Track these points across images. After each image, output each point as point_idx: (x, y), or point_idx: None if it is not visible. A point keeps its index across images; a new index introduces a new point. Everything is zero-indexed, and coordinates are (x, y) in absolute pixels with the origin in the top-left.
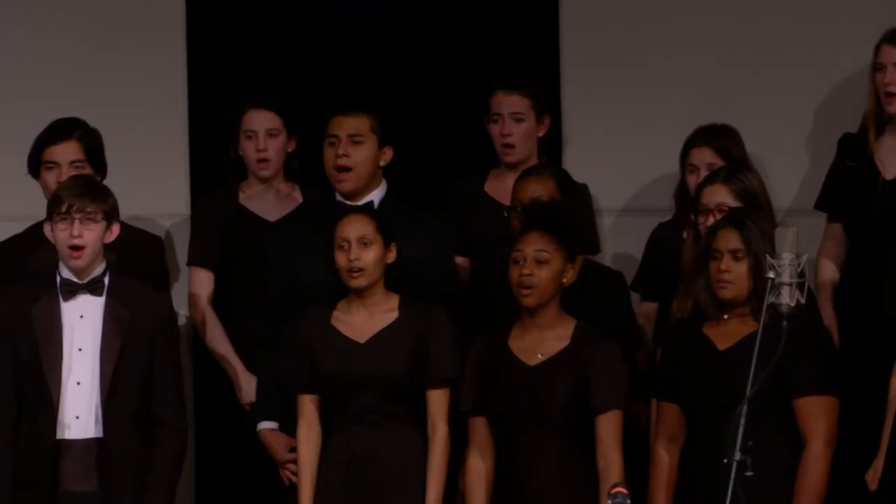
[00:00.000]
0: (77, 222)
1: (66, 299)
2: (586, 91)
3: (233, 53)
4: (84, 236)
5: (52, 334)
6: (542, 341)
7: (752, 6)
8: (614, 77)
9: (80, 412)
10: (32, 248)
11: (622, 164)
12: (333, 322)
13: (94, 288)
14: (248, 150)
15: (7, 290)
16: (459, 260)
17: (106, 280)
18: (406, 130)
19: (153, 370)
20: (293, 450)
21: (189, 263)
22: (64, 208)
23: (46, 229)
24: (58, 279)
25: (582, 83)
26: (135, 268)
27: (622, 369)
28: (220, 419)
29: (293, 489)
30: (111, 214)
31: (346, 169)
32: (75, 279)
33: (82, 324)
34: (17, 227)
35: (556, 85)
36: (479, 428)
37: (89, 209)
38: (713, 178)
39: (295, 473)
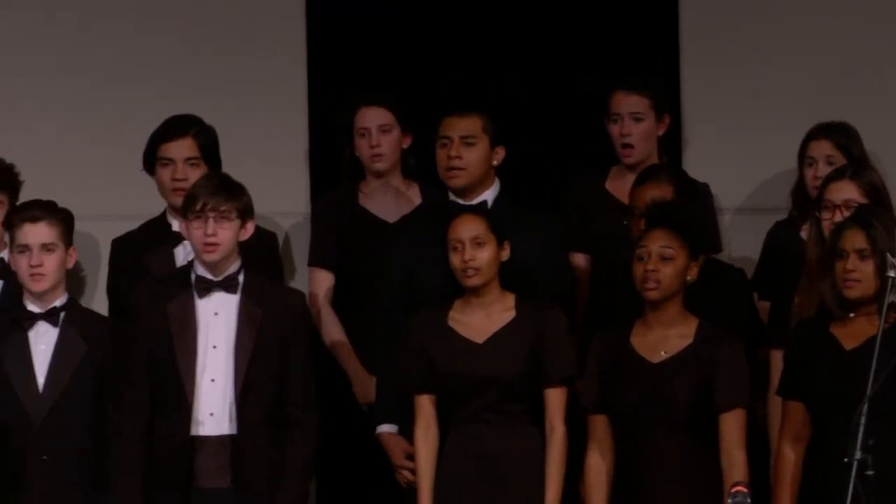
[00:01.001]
0: (211, 220)
1: (200, 297)
2: (706, 90)
3: (352, 53)
4: (218, 234)
5: (187, 332)
6: (666, 339)
7: (873, 4)
8: (734, 76)
9: (214, 409)
10: (148, 244)
11: (741, 162)
12: (450, 322)
13: (228, 285)
14: (362, 147)
15: (143, 287)
16: (580, 258)
17: (240, 278)
18: (525, 130)
19: (286, 369)
20: (410, 457)
21: (309, 263)
22: (198, 206)
23: (182, 227)
24: (192, 277)
25: (701, 82)
26: (248, 263)
27: (746, 367)
28: (338, 418)
29: (411, 489)
30: (245, 212)
31: (459, 169)
32: (210, 276)
33: (217, 321)
34: (132, 226)
35: (676, 84)
36: (600, 426)
37: (223, 207)
38: (839, 174)
39: (410, 478)
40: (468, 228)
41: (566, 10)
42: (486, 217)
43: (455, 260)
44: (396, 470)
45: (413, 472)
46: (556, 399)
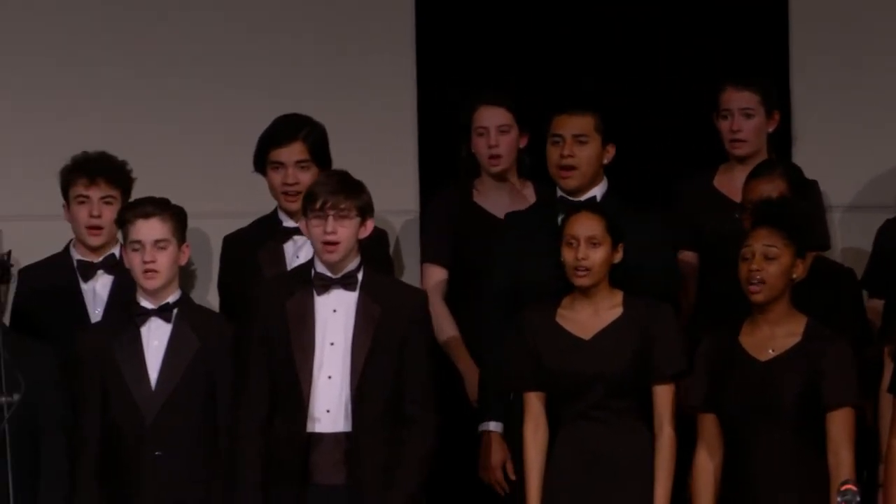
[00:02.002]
0: (331, 218)
1: (319, 294)
2: (815, 87)
3: (462, 49)
4: (338, 232)
5: (305, 328)
6: (773, 337)
7: None
8: (843, 73)
9: (330, 406)
10: (259, 241)
11: (851, 159)
12: (558, 319)
13: (347, 283)
14: (480, 146)
15: (265, 284)
16: (688, 255)
17: (360, 276)
18: (633, 127)
19: (404, 367)
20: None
21: (423, 259)
22: (318, 205)
23: (301, 225)
24: (312, 273)
25: (811, 80)
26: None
27: (854, 366)
28: (449, 415)
29: (519, 485)
30: (365, 210)
31: (571, 168)
32: (329, 274)
33: (335, 318)
34: (244, 223)
35: (786, 82)
36: (708, 424)
37: (343, 206)
38: None
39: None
40: (585, 227)
41: (676, 7)
42: (604, 217)
43: (568, 256)
44: (486, 468)
45: (502, 480)
46: (664, 396)
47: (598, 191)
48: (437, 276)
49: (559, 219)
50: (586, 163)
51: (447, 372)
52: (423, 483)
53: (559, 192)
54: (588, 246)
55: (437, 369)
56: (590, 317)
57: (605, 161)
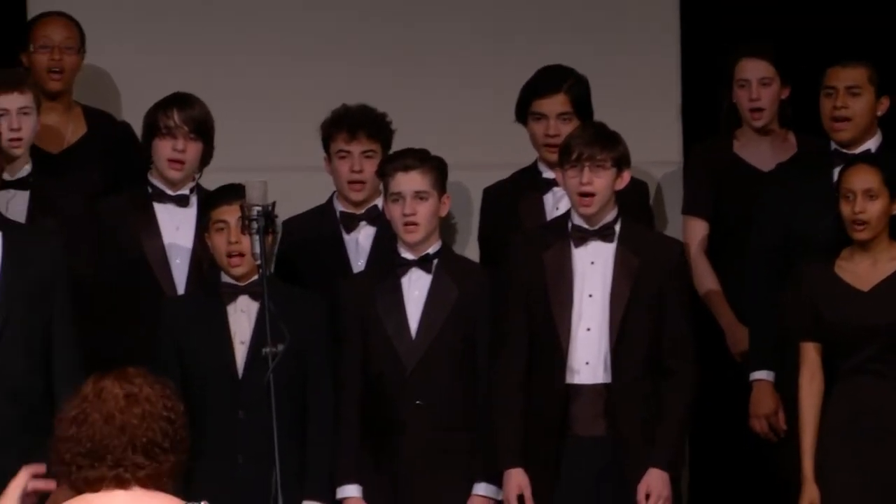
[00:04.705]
0: (587, 170)
1: (577, 245)
2: None
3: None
4: (594, 183)
5: (563, 280)
6: None
7: None
8: None
9: (589, 358)
10: (518, 193)
11: None
12: (837, 270)
13: (605, 234)
14: (742, 99)
15: (521, 236)
16: None
17: (617, 227)
18: None
19: (663, 319)
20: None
21: (684, 212)
22: (574, 156)
23: (558, 176)
24: (569, 225)
25: None
26: (621, 212)
27: None
28: (712, 369)
29: (790, 435)
30: (621, 161)
31: (844, 119)
32: (586, 226)
33: (593, 270)
34: (504, 174)
35: None
36: None
37: (599, 157)
38: None
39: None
40: (862, 180)
41: None
42: (881, 169)
43: (846, 210)
44: (757, 416)
45: (777, 426)
46: None
47: (872, 143)
48: (698, 228)
49: (835, 172)
50: (859, 114)
51: (708, 325)
52: (685, 437)
53: (833, 145)
54: (865, 199)
55: (704, 322)
56: (868, 269)
57: (879, 113)
